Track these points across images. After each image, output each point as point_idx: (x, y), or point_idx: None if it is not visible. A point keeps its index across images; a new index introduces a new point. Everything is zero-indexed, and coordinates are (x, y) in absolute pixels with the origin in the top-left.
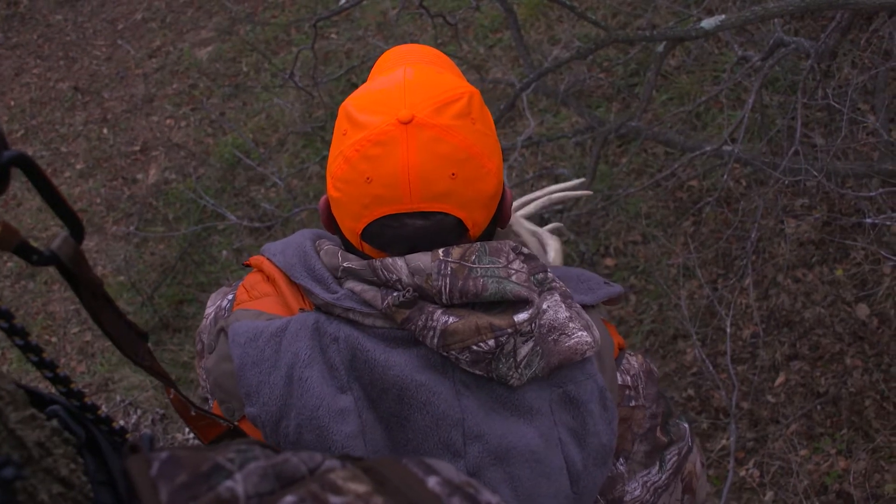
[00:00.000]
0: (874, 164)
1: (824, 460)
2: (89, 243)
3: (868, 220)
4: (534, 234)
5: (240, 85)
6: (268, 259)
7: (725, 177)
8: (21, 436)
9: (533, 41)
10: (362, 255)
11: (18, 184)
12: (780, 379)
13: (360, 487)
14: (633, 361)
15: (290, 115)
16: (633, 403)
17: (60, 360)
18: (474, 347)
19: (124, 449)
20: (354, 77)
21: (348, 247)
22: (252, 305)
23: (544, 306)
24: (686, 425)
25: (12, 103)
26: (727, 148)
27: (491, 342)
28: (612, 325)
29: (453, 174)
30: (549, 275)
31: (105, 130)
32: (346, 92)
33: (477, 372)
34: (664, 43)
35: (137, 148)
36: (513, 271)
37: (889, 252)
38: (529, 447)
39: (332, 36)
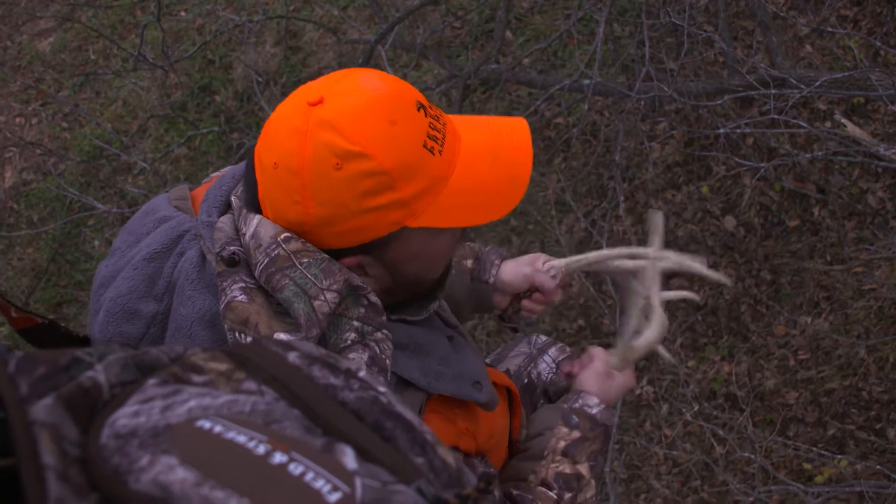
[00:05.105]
0: (723, 80)
1: (710, 368)
2: None
3: (721, 131)
4: (646, 297)
5: (90, 74)
6: None
7: (587, 107)
8: None
9: None
10: None
11: None
12: None
13: (222, 366)
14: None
15: (147, 99)
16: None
17: None
18: (236, 335)
19: None
20: (210, 53)
21: None
22: None
23: (351, 355)
24: None
25: None
26: (585, 81)
27: (249, 339)
28: (452, 423)
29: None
30: (380, 334)
31: None
32: (202, 69)
33: None
34: None
35: None
36: (322, 299)
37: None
38: None
39: (182, 14)
